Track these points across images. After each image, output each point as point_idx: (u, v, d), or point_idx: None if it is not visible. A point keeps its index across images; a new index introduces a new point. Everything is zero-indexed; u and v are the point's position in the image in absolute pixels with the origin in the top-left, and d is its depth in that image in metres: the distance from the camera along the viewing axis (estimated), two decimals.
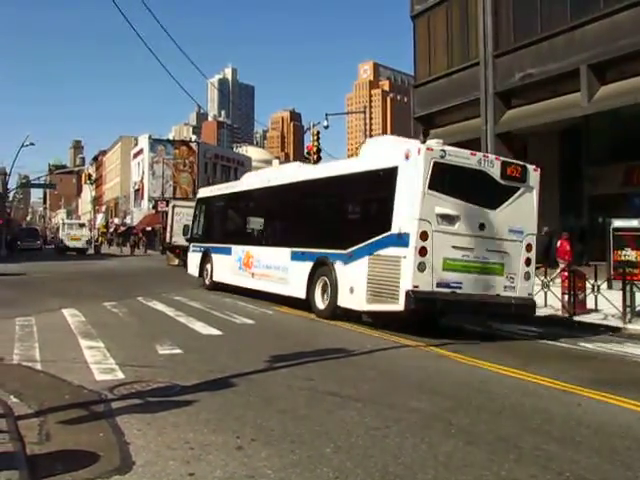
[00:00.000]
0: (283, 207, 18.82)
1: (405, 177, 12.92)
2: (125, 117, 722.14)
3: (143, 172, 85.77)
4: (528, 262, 13.93)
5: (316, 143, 33.53)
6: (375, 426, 6.40)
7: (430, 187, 12.55)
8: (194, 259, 24.36)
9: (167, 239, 41.81)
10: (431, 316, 15.04)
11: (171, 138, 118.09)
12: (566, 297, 16.73)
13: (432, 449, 5.75)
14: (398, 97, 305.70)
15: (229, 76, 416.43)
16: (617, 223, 20.79)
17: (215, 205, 24.21)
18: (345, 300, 14.54)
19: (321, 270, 15.49)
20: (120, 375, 8.39)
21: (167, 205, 54.73)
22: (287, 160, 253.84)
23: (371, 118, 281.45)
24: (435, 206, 12.59)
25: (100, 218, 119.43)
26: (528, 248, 14.04)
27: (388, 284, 12.94)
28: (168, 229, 41.74)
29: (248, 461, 5.30)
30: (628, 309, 15.28)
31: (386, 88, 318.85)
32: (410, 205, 12.62)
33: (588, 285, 16.86)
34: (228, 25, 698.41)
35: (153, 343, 10.91)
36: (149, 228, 75.45)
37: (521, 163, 14.49)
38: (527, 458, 5.61)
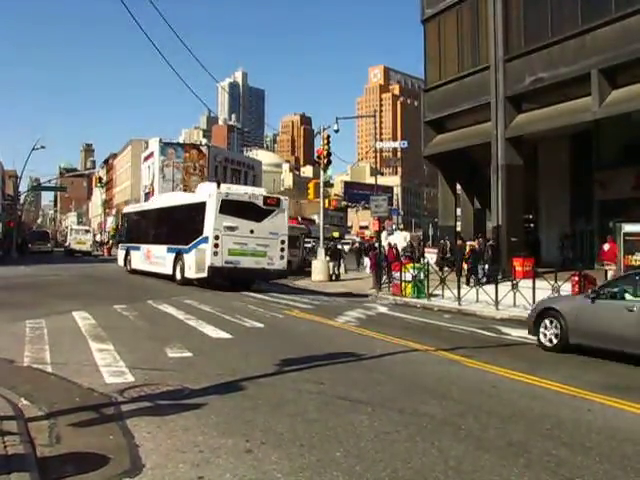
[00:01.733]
0: (161, 221, 30.36)
1: (209, 207, 23.93)
2: (136, 120, 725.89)
3: (153, 175, 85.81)
4: (282, 250, 25.02)
5: (326, 147, 33.45)
6: (385, 430, 6.39)
7: (220, 212, 23.53)
8: (121, 254, 35.85)
9: None
10: (227, 280, 25.12)
11: (181, 141, 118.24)
12: None
13: (442, 454, 5.74)
14: (408, 101, 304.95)
15: (239, 80, 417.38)
16: (628, 228, 20.63)
17: (131, 218, 36.43)
18: (187, 273, 24.93)
19: (178, 257, 25.93)
20: (130, 378, 8.41)
21: None
22: (297, 164, 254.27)
23: (381, 122, 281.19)
24: (223, 222, 23.57)
25: (110, 221, 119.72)
26: (282, 243, 24.98)
27: (202, 263, 23.69)
28: None
29: (258, 464, 5.30)
30: None
31: (396, 92, 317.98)
32: (211, 222, 23.65)
33: None
34: (239, 30, 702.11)
35: (163, 346, 10.93)
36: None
37: (276, 196, 26.88)
38: (537, 463, 5.59)
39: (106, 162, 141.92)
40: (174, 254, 26.19)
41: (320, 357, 10.27)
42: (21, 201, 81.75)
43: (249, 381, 8.39)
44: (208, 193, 24.26)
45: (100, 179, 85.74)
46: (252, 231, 24.07)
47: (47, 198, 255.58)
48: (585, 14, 24.62)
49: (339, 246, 44.81)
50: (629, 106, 23.16)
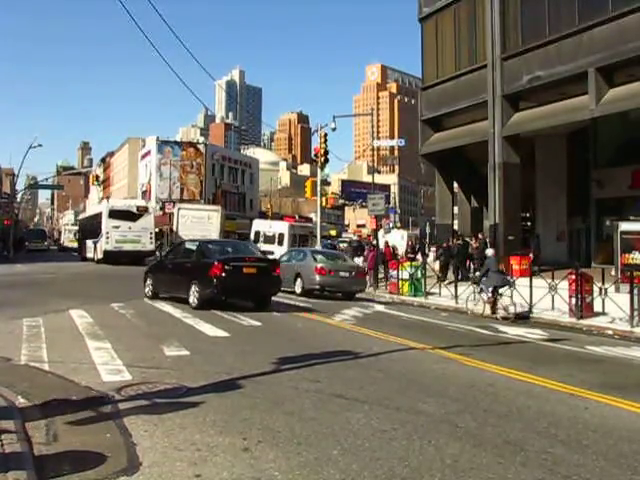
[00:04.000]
0: (88, 224, 47.04)
1: (103, 214, 40.12)
2: (133, 119, 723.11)
3: (150, 174, 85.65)
4: (150, 239, 40.15)
5: (323, 145, 33.44)
6: (382, 428, 6.40)
7: (109, 217, 39.41)
8: (80, 246, 51.92)
9: (174, 239, 44.16)
10: (117, 258, 38.64)
11: (178, 140, 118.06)
12: (573, 300, 16.69)
13: (439, 452, 5.75)
14: (406, 99, 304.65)
15: (236, 78, 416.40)
16: (625, 226, 20.68)
17: (82, 222, 55.46)
18: (98, 255, 40.15)
19: (95, 246, 40.73)
20: (127, 376, 8.41)
21: (174, 207, 56.71)
22: (294, 162, 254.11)
23: (378, 120, 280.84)
24: (111, 223, 39.04)
25: None
26: (150, 234, 40.16)
27: (101, 248, 39.27)
28: (174, 230, 44.90)
29: (255, 463, 5.31)
30: (635, 312, 15.23)
31: (394, 90, 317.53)
32: (104, 223, 39.36)
33: (595, 288, 16.81)
34: (236, 28, 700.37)
35: (160, 344, 10.93)
36: (157, 229, 75.62)
37: (144, 205, 44.57)
38: (534, 461, 5.60)
39: (103, 160, 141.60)
40: (93, 244, 41.69)
41: (317, 355, 10.28)
42: (18, 199, 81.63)
43: (246, 379, 8.39)
44: (103, 206, 43.18)
45: (97, 177, 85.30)
46: (130, 227, 39.64)
47: (44, 196, 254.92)
48: (582, 13, 24.63)
49: (336, 244, 44.89)
50: (626, 104, 23.19)
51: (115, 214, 39.39)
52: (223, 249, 19.59)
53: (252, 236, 40.49)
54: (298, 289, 23.04)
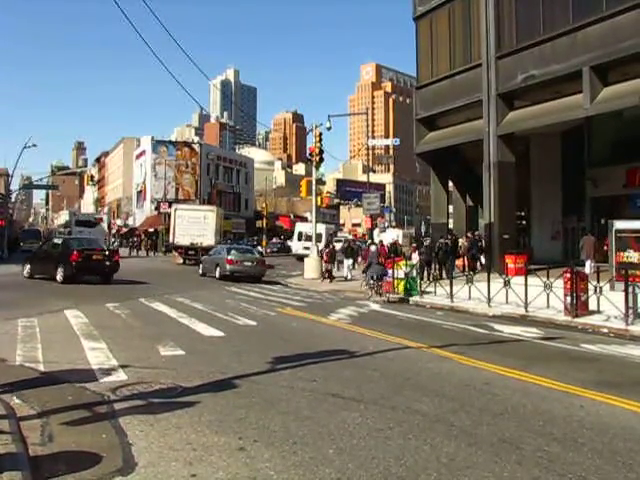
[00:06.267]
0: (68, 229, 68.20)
1: (72, 223, 64.11)
2: (127, 119, 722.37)
3: (145, 173, 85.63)
4: (105, 240, 54.58)
5: (318, 144, 33.42)
6: (377, 427, 6.40)
7: (75, 225, 60.00)
8: None
9: (171, 240, 46.43)
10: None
11: (173, 139, 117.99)
12: (568, 298, 16.70)
13: (434, 451, 5.76)
14: (400, 99, 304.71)
15: (231, 77, 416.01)
16: (619, 225, 20.71)
17: (62, 227, 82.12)
18: None
19: None
20: (123, 376, 8.40)
21: (169, 207, 59.62)
22: (289, 161, 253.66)
23: (373, 119, 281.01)
24: (77, 229, 56.42)
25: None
26: (104, 237, 58.34)
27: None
28: (171, 231, 45.82)
29: (250, 462, 5.31)
30: (630, 310, 15.25)
31: (388, 89, 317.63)
32: (73, 230, 58.56)
33: (590, 286, 16.83)
34: (231, 27, 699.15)
35: (155, 344, 10.92)
36: (151, 229, 75.45)
37: (100, 216, 74.47)
38: (529, 460, 5.61)
39: (98, 160, 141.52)
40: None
41: (312, 355, 10.28)
42: (12, 199, 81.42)
43: (241, 379, 8.39)
44: (70, 217, 62.72)
45: (92, 177, 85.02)
46: (90, 232, 49.89)
47: (39, 196, 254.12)
48: (576, 11, 24.66)
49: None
50: (620, 103, 23.22)
51: (79, 223, 56.07)
52: (80, 243, 27.51)
53: (296, 235, 54.53)
54: (217, 274, 30.43)
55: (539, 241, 33.51)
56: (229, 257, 30.10)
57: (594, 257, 25.07)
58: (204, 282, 28.55)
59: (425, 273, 25.81)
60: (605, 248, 25.61)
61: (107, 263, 25.69)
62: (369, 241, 32.09)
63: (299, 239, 53.54)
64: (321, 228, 51.26)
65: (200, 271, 33.13)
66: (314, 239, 35.65)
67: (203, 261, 33.90)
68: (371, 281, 23.50)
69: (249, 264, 30.41)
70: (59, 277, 24.23)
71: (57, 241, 28.43)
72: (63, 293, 20.34)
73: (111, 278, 25.67)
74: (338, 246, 36.23)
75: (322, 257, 31.96)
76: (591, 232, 27.80)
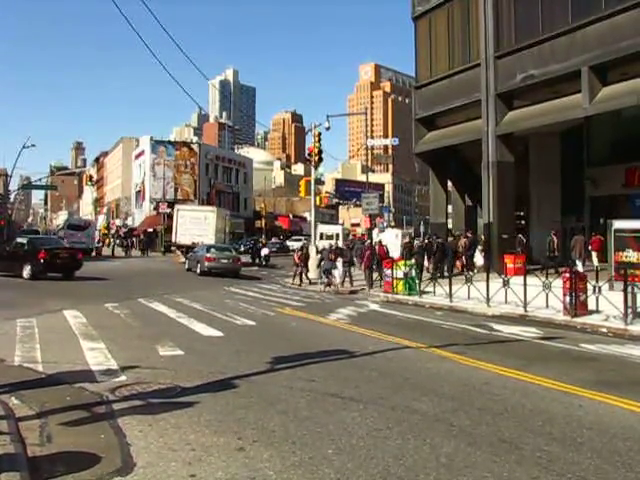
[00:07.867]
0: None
1: (64, 227, 62.14)
2: (126, 119, 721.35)
3: (144, 173, 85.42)
4: (93, 240, 55.80)
5: (317, 144, 33.37)
6: (377, 427, 6.40)
7: (66, 229, 56.96)
8: None
9: (173, 239, 48.38)
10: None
11: (172, 139, 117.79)
12: (567, 298, 16.69)
13: (434, 450, 5.75)
14: (399, 98, 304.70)
15: (230, 77, 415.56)
16: (618, 224, 20.69)
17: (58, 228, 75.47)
18: None
19: None
20: (121, 376, 8.39)
21: (168, 207, 62.04)
22: (288, 161, 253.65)
23: (372, 119, 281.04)
24: (69, 231, 54.66)
25: (101, 220, 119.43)
26: (93, 239, 55.99)
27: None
28: (174, 230, 47.65)
29: (249, 462, 5.30)
30: (629, 310, 15.24)
31: (387, 89, 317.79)
32: (64, 233, 56.93)
33: (589, 286, 16.82)
34: (229, 27, 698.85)
35: (154, 344, 10.91)
36: (150, 229, 75.42)
37: (90, 220, 70.94)
38: (528, 459, 5.61)
39: (97, 160, 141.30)
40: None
41: (312, 354, 10.27)
42: (11, 200, 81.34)
43: (241, 379, 8.38)
44: (64, 222, 60.98)
45: (91, 177, 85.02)
46: (79, 235, 52.03)
47: (37, 197, 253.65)
48: (575, 11, 24.67)
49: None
50: (619, 103, 23.23)
51: (70, 226, 57.00)
52: (46, 242, 30.31)
53: (318, 235, 51.72)
54: (198, 270, 33.36)
55: (538, 241, 33.48)
56: (208, 255, 33.29)
57: (582, 256, 25.53)
58: (204, 282, 28.54)
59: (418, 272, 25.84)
60: (590, 248, 26.10)
61: (71, 261, 27.43)
62: (368, 241, 32.00)
63: (320, 238, 54.90)
64: (338, 228, 58.86)
65: (186, 266, 36.56)
66: (313, 238, 35.77)
67: (189, 258, 37.17)
68: (322, 276, 26.86)
69: (225, 261, 33.41)
70: (26, 274, 25.50)
71: (22, 241, 29.40)
72: (62, 293, 20.32)
73: (73, 275, 27.01)
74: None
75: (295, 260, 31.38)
76: (582, 232, 27.98)
